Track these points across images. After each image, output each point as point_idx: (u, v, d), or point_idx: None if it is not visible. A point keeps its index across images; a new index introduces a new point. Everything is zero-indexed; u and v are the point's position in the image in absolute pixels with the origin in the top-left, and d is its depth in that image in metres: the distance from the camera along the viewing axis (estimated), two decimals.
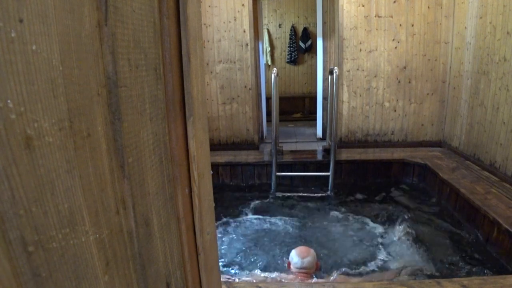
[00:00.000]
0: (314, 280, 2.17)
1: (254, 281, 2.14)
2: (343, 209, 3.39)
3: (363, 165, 4.01)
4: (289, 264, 2.26)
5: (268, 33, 7.46)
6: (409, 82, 4.34)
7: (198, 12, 0.67)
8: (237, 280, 2.11)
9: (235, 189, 3.97)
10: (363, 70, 4.34)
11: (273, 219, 3.23)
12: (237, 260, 2.61)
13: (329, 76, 3.94)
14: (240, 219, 3.24)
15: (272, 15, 7.51)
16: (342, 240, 2.81)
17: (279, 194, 3.73)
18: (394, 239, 2.78)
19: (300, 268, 2.15)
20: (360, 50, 4.29)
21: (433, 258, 2.49)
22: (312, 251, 2.23)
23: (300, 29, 7.39)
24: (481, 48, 3.47)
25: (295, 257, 2.17)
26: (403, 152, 4.20)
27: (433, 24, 4.18)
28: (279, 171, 3.80)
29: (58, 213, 0.33)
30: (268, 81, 5.72)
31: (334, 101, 3.61)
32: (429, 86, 4.34)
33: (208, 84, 4.46)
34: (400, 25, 4.20)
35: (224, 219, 3.19)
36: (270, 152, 4.23)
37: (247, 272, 2.48)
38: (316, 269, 2.24)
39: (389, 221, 3.08)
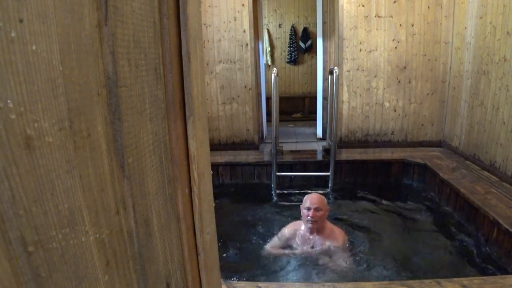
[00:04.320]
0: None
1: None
2: (343, 209, 3.39)
3: (363, 165, 4.01)
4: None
5: (268, 33, 7.46)
6: (409, 82, 4.34)
7: (198, 12, 0.67)
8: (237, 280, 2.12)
9: (235, 189, 3.97)
10: (363, 70, 4.34)
11: (273, 218, 3.23)
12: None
13: (329, 76, 3.94)
14: (240, 218, 3.24)
15: (272, 15, 7.51)
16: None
17: (279, 194, 3.73)
18: (393, 238, 2.78)
19: (309, 208, 2.41)
20: (360, 50, 4.29)
21: (433, 257, 2.49)
22: (324, 199, 2.49)
23: (300, 29, 7.39)
24: (481, 48, 3.47)
25: (307, 201, 2.46)
26: (403, 152, 4.20)
27: (433, 24, 4.18)
28: (279, 171, 3.80)
29: (58, 213, 0.33)
30: (268, 81, 5.71)
31: (334, 101, 3.61)
32: (429, 86, 4.34)
33: (208, 84, 4.46)
34: (400, 25, 4.20)
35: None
36: (270, 152, 4.23)
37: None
38: (327, 212, 2.54)
39: (388, 221, 3.08)
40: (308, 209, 2.41)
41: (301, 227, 2.56)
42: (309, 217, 2.40)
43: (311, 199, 2.45)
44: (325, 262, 2.37)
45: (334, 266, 2.34)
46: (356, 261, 2.45)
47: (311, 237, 2.48)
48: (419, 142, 4.45)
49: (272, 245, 2.58)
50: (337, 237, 2.51)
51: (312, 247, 2.46)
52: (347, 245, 2.55)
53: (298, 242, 2.52)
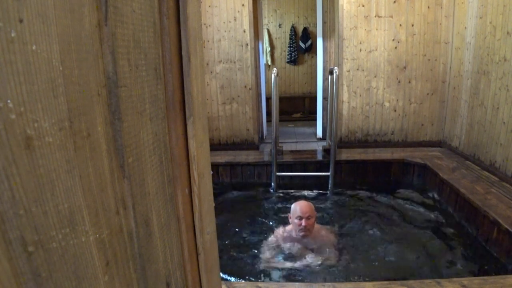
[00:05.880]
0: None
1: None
2: (342, 209, 3.39)
3: (363, 165, 4.01)
4: (290, 218, 2.55)
5: (268, 33, 7.46)
6: (409, 82, 4.34)
7: (198, 12, 0.67)
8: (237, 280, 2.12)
9: (235, 189, 3.97)
10: (363, 70, 4.34)
11: (273, 218, 3.23)
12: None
13: (329, 76, 3.94)
14: (240, 218, 3.24)
15: (272, 15, 7.51)
16: (340, 240, 2.81)
17: (279, 194, 3.73)
18: (393, 238, 2.78)
19: (301, 217, 2.42)
20: (360, 50, 4.29)
21: (433, 258, 2.49)
22: (312, 205, 2.50)
23: (300, 29, 7.39)
24: (481, 48, 3.47)
25: (297, 210, 2.45)
26: (403, 152, 4.20)
27: (433, 24, 4.18)
28: (279, 171, 3.80)
29: (58, 213, 0.33)
30: (268, 81, 5.72)
31: (334, 101, 3.61)
32: (429, 86, 4.34)
33: (208, 84, 4.46)
34: (400, 25, 4.20)
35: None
36: (270, 152, 4.23)
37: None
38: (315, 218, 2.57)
39: (388, 221, 3.08)
40: (300, 218, 2.42)
41: (289, 232, 2.58)
42: (301, 227, 2.41)
43: (301, 208, 2.44)
44: (318, 262, 2.39)
45: (328, 263, 2.37)
46: (351, 259, 2.46)
47: (301, 241, 2.51)
48: (419, 142, 4.45)
49: (265, 257, 2.55)
50: (325, 237, 2.57)
51: (305, 248, 2.49)
52: (335, 242, 2.61)
53: (288, 246, 2.53)
